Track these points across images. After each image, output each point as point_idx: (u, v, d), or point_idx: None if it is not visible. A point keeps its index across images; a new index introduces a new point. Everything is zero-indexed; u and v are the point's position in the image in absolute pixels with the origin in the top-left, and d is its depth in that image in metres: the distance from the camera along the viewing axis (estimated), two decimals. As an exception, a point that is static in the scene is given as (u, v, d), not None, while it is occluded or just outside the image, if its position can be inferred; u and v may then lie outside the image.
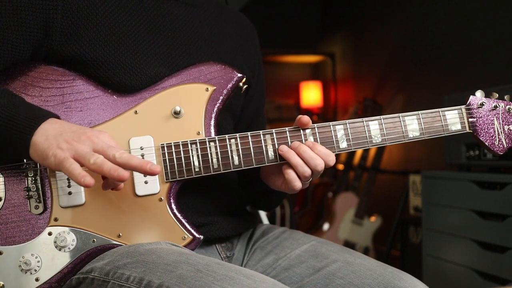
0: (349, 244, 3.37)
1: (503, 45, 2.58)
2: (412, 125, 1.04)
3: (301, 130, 1.00)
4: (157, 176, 0.96)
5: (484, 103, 1.06)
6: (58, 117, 0.92)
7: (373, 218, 3.47)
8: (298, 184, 0.98)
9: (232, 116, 1.17)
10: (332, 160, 0.98)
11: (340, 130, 1.01)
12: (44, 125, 0.88)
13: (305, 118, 0.98)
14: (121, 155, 0.85)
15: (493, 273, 1.82)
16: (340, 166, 3.85)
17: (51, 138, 0.86)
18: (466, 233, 1.95)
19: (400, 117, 1.03)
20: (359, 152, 3.69)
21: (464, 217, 1.95)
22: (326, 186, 3.89)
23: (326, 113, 4.60)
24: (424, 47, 3.25)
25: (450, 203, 2.03)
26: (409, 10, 3.43)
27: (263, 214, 1.90)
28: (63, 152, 0.84)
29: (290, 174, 0.97)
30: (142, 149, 0.97)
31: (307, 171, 0.96)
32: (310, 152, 0.96)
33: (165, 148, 0.97)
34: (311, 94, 4.52)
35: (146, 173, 0.86)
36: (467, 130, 1.06)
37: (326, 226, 3.53)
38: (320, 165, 0.96)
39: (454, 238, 2.01)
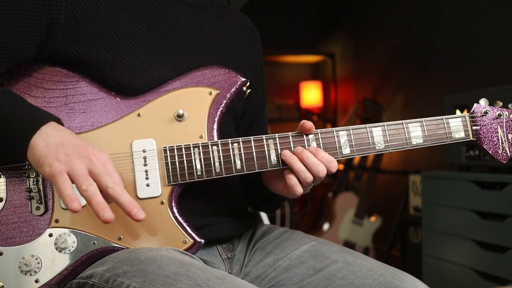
0: (349, 244, 3.37)
1: (503, 45, 2.58)
2: (416, 132, 1.03)
3: (304, 136, 1.00)
4: (159, 179, 0.96)
5: (488, 111, 1.06)
6: (59, 120, 0.91)
7: (373, 218, 3.47)
8: (299, 190, 0.97)
9: (234, 117, 1.17)
10: (334, 166, 0.97)
11: (343, 136, 1.00)
12: (47, 129, 0.86)
13: (308, 124, 0.98)
14: (113, 186, 0.83)
15: (493, 273, 1.82)
16: (340, 166, 3.85)
17: (51, 147, 0.84)
18: (466, 233, 1.95)
19: (404, 124, 1.03)
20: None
21: (464, 217, 1.96)
22: (326, 186, 3.89)
23: (326, 113, 4.60)
24: (424, 47, 3.25)
25: (450, 203, 2.04)
26: (409, 10, 3.43)
27: (263, 215, 1.90)
28: (60, 164, 0.82)
29: (292, 179, 0.97)
30: (144, 151, 0.97)
31: (309, 177, 0.95)
32: (313, 158, 0.96)
33: (168, 151, 0.97)
34: (311, 94, 4.52)
35: (129, 215, 0.84)
36: (471, 138, 1.06)
37: (326, 226, 3.53)
38: (322, 172, 0.95)
39: (454, 238, 2.01)
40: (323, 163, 0.96)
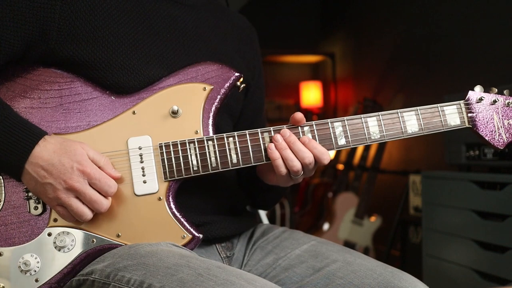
0: (349, 244, 3.37)
1: (503, 45, 2.58)
2: (411, 121, 1.03)
3: (299, 127, 1.00)
4: (155, 175, 0.97)
5: (483, 98, 1.06)
6: (41, 137, 0.92)
7: (373, 218, 3.47)
8: (283, 170, 0.97)
9: (231, 117, 1.17)
10: (326, 158, 0.98)
11: (338, 127, 1.01)
12: (28, 167, 0.90)
13: (298, 115, 0.99)
14: (109, 190, 0.92)
15: (493, 273, 1.82)
16: (340, 166, 3.85)
17: (38, 185, 0.90)
18: (466, 233, 1.95)
19: (399, 113, 1.03)
20: (359, 152, 3.69)
21: (464, 217, 1.95)
22: (326, 186, 3.89)
23: (326, 113, 4.60)
24: (424, 47, 3.25)
25: (450, 203, 2.03)
26: (409, 10, 3.43)
27: (263, 214, 1.90)
28: (51, 202, 0.92)
29: (276, 161, 0.97)
30: (140, 149, 0.97)
31: (296, 166, 0.96)
32: (299, 144, 0.96)
33: (163, 147, 0.97)
34: (311, 94, 4.52)
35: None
36: (467, 125, 1.05)
37: (326, 226, 3.53)
38: (308, 158, 0.96)
39: (454, 238, 2.01)
40: (314, 154, 0.96)
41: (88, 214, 0.91)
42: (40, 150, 0.90)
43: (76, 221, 0.93)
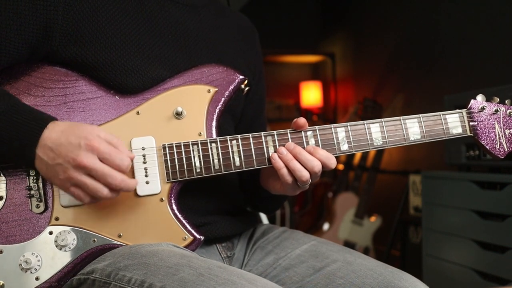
0: (349, 244, 3.37)
1: (503, 45, 2.58)
2: (413, 128, 1.04)
3: (302, 132, 1.00)
4: (158, 176, 0.97)
5: (485, 107, 1.07)
6: (50, 121, 0.91)
7: (373, 218, 3.47)
8: (289, 179, 0.97)
9: (233, 117, 1.18)
10: (333, 163, 0.98)
11: (341, 132, 1.01)
12: (39, 151, 0.89)
13: (301, 120, 0.99)
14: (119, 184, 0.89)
15: (493, 273, 1.82)
16: (340, 166, 3.85)
17: (49, 168, 0.88)
18: (466, 233, 1.95)
19: (401, 120, 1.04)
20: (359, 152, 3.68)
21: (464, 217, 1.96)
22: (326, 186, 3.89)
23: (326, 113, 4.61)
24: (424, 47, 3.25)
25: (450, 203, 2.04)
26: (409, 10, 3.43)
27: (263, 214, 1.90)
28: (64, 184, 0.89)
29: (284, 176, 0.97)
30: (143, 149, 0.97)
31: (305, 176, 0.96)
32: (306, 154, 0.97)
33: (167, 148, 0.97)
34: (311, 94, 4.52)
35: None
36: (468, 133, 1.07)
37: (326, 226, 3.53)
38: (317, 167, 0.96)
39: (454, 238, 2.01)
40: (321, 160, 0.97)
41: (103, 189, 0.88)
42: (49, 132, 0.88)
43: (92, 198, 0.90)
